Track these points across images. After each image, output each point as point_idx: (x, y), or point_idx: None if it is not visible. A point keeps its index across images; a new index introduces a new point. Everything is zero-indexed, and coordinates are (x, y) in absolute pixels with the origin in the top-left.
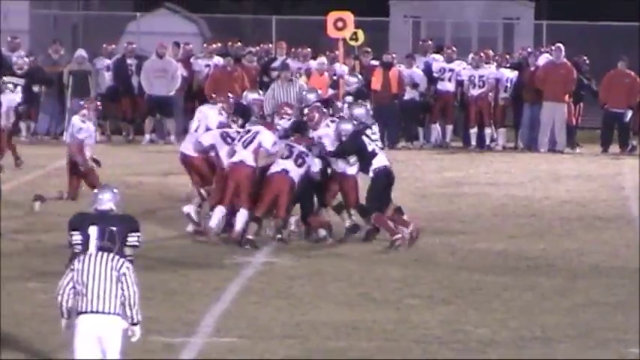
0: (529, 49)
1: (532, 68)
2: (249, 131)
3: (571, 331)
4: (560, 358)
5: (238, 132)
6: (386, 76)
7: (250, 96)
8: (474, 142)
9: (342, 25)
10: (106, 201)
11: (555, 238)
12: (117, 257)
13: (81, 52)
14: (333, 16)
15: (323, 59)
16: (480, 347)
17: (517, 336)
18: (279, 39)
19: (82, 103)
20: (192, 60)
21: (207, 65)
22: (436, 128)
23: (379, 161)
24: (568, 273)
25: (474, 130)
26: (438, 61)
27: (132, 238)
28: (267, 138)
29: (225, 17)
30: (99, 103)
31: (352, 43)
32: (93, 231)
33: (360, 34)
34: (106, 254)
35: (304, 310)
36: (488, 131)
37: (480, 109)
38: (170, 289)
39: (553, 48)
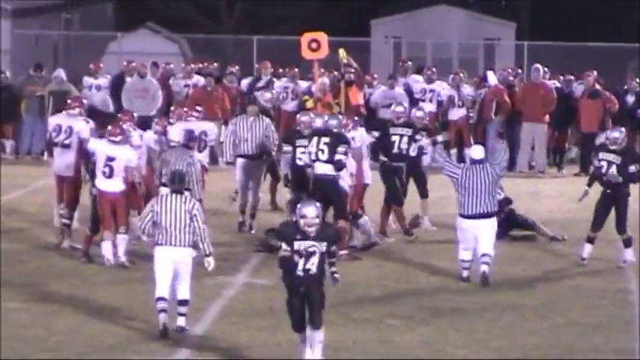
0: (509, 70)
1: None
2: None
3: (551, 351)
4: None
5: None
6: (346, 94)
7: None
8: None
9: (317, 47)
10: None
11: (536, 258)
12: (189, 198)
13: (59, 72)
14: (307, 37)
15: (325, 79)
16: None
17: (498, 357)
18: (260, 59)
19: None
20: (171, 80)
21: (187, 85)
22: None
23: None
24: (548, 294)
25: (453, 151)
26: (418, 82)
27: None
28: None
29: (206, 37)
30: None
31: (345, 60)
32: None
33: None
34: (179, 196)
35: (285, 330)
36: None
37: (459, 129)
38: (151, 310)
39: (532, 68)
